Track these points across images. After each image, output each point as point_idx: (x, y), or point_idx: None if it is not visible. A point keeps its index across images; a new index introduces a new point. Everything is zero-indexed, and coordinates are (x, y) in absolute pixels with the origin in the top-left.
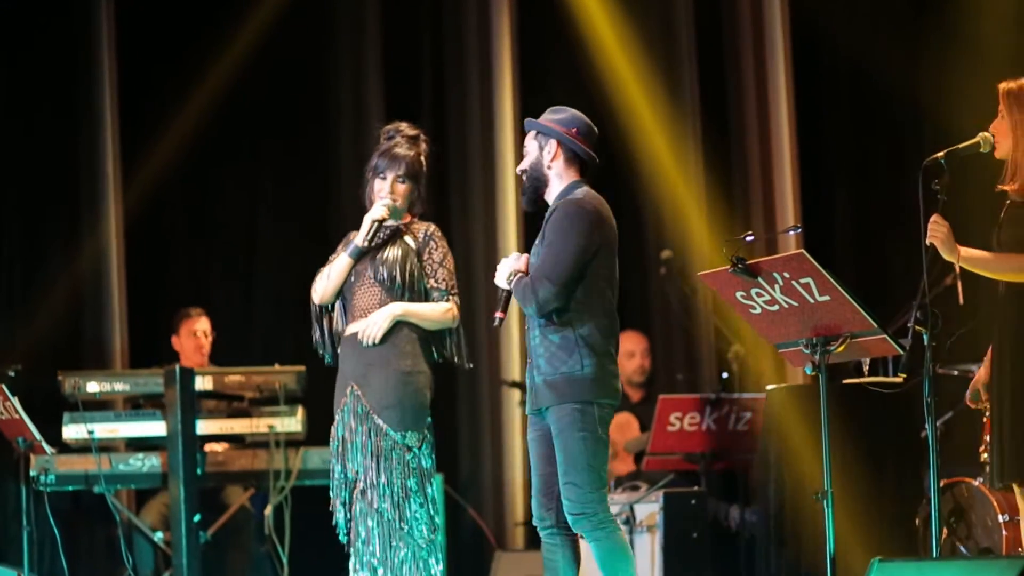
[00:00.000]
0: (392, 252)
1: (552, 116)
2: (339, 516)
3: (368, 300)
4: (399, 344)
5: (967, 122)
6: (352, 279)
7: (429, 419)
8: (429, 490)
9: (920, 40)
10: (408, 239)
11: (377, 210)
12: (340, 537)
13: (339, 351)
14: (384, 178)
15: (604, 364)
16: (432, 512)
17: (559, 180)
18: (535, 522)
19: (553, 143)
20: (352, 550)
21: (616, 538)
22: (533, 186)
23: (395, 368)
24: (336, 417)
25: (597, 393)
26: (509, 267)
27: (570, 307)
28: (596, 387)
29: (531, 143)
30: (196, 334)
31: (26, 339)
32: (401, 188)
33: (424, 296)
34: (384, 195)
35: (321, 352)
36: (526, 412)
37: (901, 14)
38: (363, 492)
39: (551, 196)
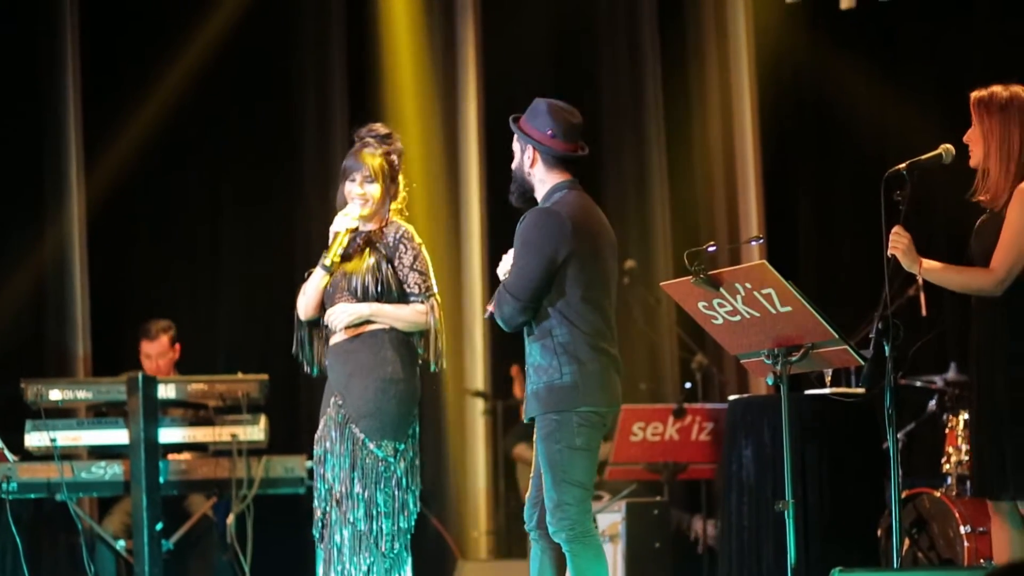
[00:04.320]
0: (364, 263)
1: (528, 118)
2: (317, 525)
3: None
4: (381, 352)
5: (929, 134)
6: (331, 291)
7: (414, 429)
8: (401, 502)
9: (884, 56)
10: (379, 246)
11: (339, 222)
12: (316, 546)
13: (327, 361)
14: (353, 180)
15: (588, 370)
16: (402, 525)
17: (542, 184)
18: (525, 525)
19: (530, 149)
20: (323, 558)
21: (591, 551)
22: (519, 190)
23: (376, 376)
24: (320, 427)
25: (577, 401)
26: (509, 263)
27: (549, 316)
28: (575, 395)
29: (516, 144)
30: (150, 357)
31: None
32: (370, 189)
33: (402, 302)
34: (353, 198)
35: (306, 366)
36: (523, 420)
37: (864, 30)
38: (339, 501)
39: (538, 197)
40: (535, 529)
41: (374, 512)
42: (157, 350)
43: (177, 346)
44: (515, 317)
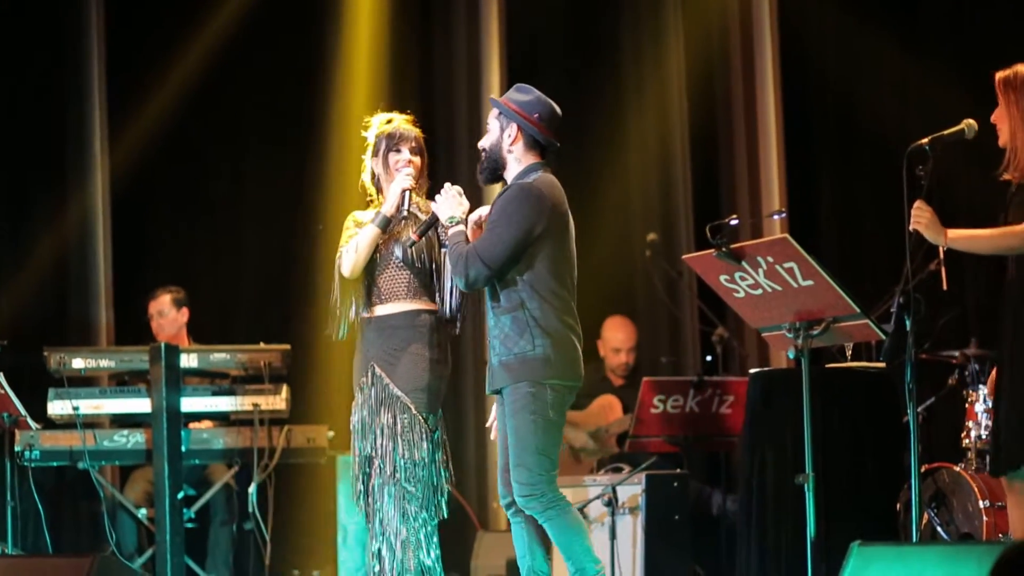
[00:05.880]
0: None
1: (516, 98)
2: (359, 493)
3: (395, 284)
4: (429, 334)
5: (952, 109)
6: (376, 261)
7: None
8: (441, 471)
9: (907, 29)
10: (423, 218)
11: (405, 180)
12: (359, 513)
13: (362, 332)
14: (399, 151)
15: (559, 344)
16: (444, 492)
17: (517, 163)
18: (500, 501)
19: (514, 127)
20: (369, 523)
21: (568, 515)
22: (492, 166)
23: (424, 355)
24: (357, 397)
25: (550, 373)
26: (455, 207)
27: (519, 288)
28: (549, 367)
29: (493, 122)
30: (152, 317)
31: (12, 314)
32: (416, 161)
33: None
34: (400, 166)
35: (338, 329)
36: (486, 393)
37: (888, 5)
38: (383, 468)
39: (509, 177)
40: (512, 504)
41: (421, 478)
42: (157, 308)
43: (185, 310)
44: (478, 281)
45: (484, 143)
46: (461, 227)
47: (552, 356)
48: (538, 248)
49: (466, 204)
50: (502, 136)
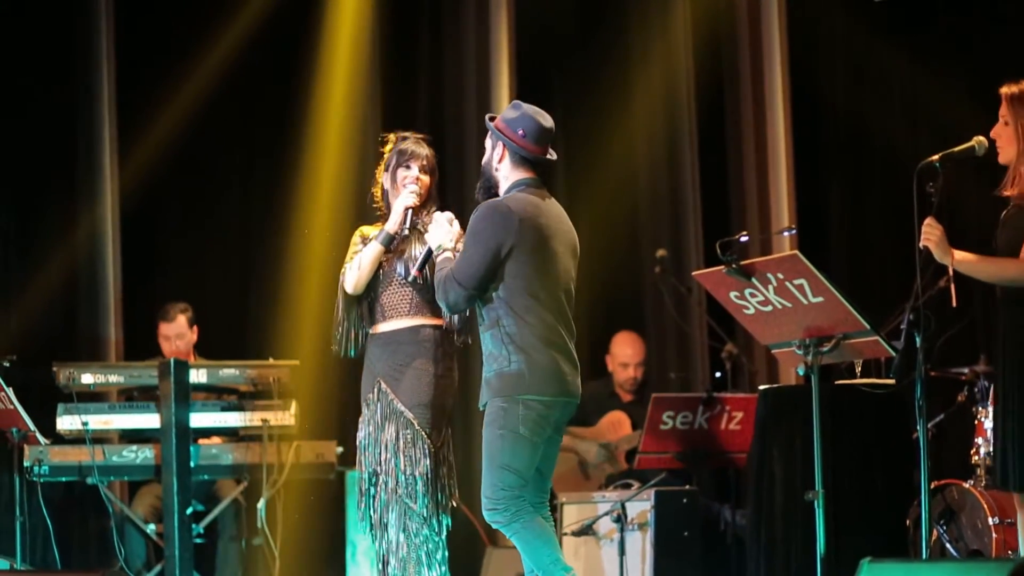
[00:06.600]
0: (420, 251)
1: (504, 115)
2: (365, 506)
3: (398, 299)
4: (433, 349)
5: (962, 125)
6: (380, 277)
7: (448, 419)
8: (445, 485)
9: (918, 46)
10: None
11: (408, 197)
12: (361, 528)
13: (368, 349)
14: (409, 167)
15: (535, 360)
16: (445, 509)
17: (506, 181)
18: None
19: (500, 146)
20: (375, 538)
21: (532, 527)
22: (485, 185)
23: (428, 371)
24: (364, 412)
25: (523, 389)
26: (444, 236)
27: (496, 306)
28: (522, 383)
29: (488, 141)
30: (168, 339)
31: (21, 330)
32: (425, 179)
33: None
34: (410, 182)
35: (343, 345)
36: (479, 408)
37: (898, 20)
38: (387, 484)
39: (501, 193)
40: None
41: (424, 494)
42: (175, 331)
43: (195, 328)
44: (459, 303)
45: (483, 161)
46: (448, 255)
47: (526, 372)
48: (510, 265)
49: (455, 231)
50: (492, 155)
